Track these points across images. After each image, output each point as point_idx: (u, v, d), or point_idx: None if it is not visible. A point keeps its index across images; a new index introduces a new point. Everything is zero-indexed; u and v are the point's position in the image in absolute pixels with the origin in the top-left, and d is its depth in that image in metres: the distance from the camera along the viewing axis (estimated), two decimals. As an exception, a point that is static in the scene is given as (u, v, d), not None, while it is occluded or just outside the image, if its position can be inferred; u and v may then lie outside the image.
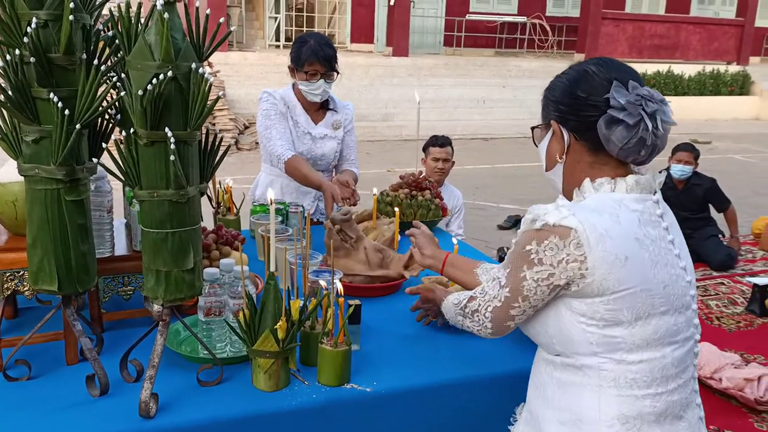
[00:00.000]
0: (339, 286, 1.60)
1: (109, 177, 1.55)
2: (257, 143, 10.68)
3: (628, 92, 1.32)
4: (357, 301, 1.71)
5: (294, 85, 3.01)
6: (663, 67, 15.90)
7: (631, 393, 1.32)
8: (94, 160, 1.45)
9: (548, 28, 17.10)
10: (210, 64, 11.81)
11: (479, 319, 1.44)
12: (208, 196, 2.59)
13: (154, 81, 1.26)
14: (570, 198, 1.43)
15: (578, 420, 1.35)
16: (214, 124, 10.33)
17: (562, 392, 1.38)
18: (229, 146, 1.47)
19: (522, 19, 17.17)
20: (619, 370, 1.32)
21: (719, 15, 18.99)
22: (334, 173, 3.15)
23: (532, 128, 1.52)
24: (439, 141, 4.34)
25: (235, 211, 2.59)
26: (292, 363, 1.55)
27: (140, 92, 1.26)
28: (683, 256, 1.39)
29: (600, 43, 16.52)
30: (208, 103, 1.33)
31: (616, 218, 1.30)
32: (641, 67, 15.79)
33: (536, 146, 1.53)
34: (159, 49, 1.27)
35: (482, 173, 9.39)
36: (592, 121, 1.34)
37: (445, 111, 13.00)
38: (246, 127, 10.82)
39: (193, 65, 1.31)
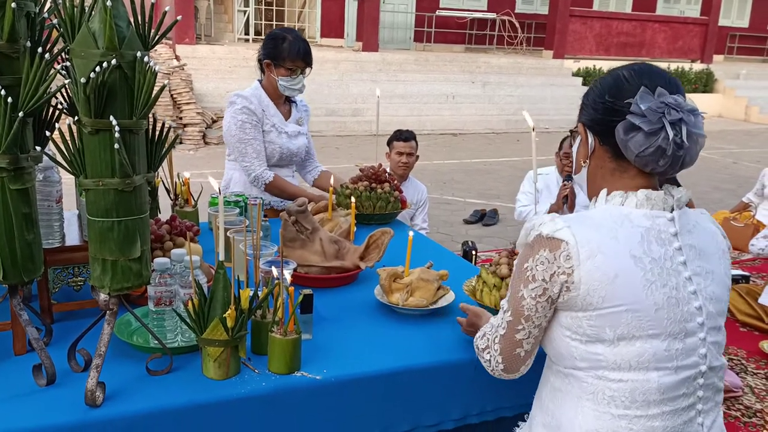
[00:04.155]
0: (287, 275, 1.61)
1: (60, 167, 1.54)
2: (225, 137, 10.59)
3: (653, 98, 1.27)
4: (308, 291, 1.72)
5: (261, 82, 3.05)
6: (629, 65, 16.12)
7: (607, 410, 1.30)
8: (38, 148, 1.43)
9: (517, 24, 17.25)
10: (178, 57, 11.68)
11: (490, 356, 1.41)
12: (166, 188, 2.58)
13: (98, 69, 1.26)
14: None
15: (557, 426, 1.37)
16: (181, 118, 10.23)
17: (551, 397, 1.40)
18: (177, 135, 1.47)
19: (491, 15, 17.28)
20: (599, 385, 1.30)
21: (684, 14, 19.32)
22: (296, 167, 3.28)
23: (571, 131, 1.52)
24: (403, 135, 4.37)
25: (192, 203, 2.58)
26: (242, 351, 1.55)
27: (83, 80, 1.25)
28: (697, 280, 1.32)
29: (568, 41, 16.72)
30: (154, 92, 1.33)
31: (614, 233, 1.28)
32: (608, 65, 16.02)
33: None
34: (103, 37, 1.27)
35: (450, 168, 9.45)
36: (613, 126, 1.31)
37: (414, 106, 13.04)
38: (214, 121, 10.74)
39: (138, 54, 1.31)
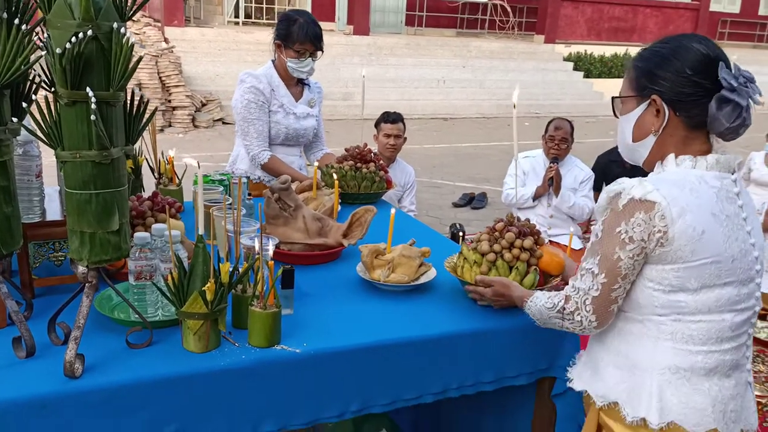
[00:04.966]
0: (269, 250, 1.62)
1: (40, 142, 1.53)
2: (215, 121, 10.56)
3: (734, 73, 1.40)
4: (289, 266, 1.73)
5: (274, 62, 3.11)
6: (621, 50, 16.14)
7: (685, 347, 1.44)
8: (15, 120, 1.43)
9: (509, 9, 17.17)
10: (166, 40, 11.59)
11: (581, 317, 1.49)
12: (151, 167, 2.58)
13: (74, 40, 1.25)
14: (650, 169, 1.53)
15: (633, 366, 1.48)
16: (170, 101, 10.17)
17: (620, 340, 1.51)
18: (156, 108, 1.47)
19: (483, -1, 17.22)
20: (678, 326, 1.43)
21: (676, -1, 19.32)
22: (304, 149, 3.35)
23: (614, 98, 1.57)
24: (391, 117, 4.37)
25: (177, 181, 2.57)
26: (221, 325, 1.56)
27: (59, 51, 1.25)
28: (754, 234, 1.47)
29: (559, 25, 16.70)
30: (131, 63, 1.32)
31: (696, 193, 1.39)
32: (599, 50, 16.02)
33: (616, 116, 1.58)
34: (79, 7, 1.26)
35: (440, 152, 9.46)
36: (695, 99, 1.42)
37: (405, 91, 13.01)
38: (203, 105, 10.67)
39: (115, 25, 1.30)
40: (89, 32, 1.26)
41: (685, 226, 1.36)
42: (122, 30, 1.30)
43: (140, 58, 1.38)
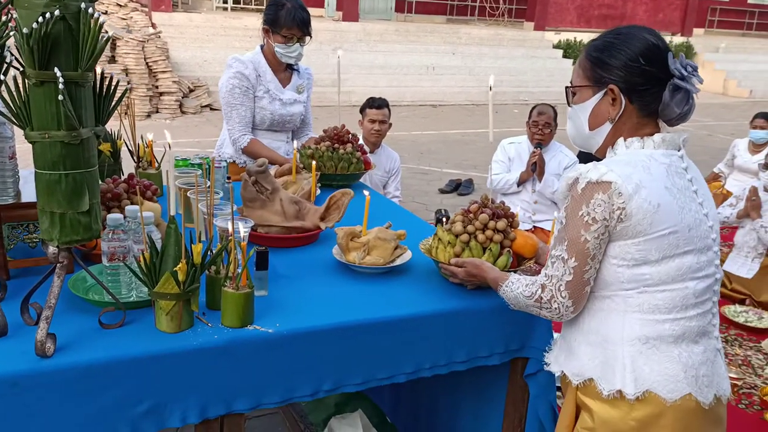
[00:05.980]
0: (242, 230, 1.63)
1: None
2: (203, 107, 10.51)
3: (681, 63, 1.49)
4: (263, 248, 1.74)
5: (262, 47, 3.11)
6: (610, 37, 16.12)
7: (653, 317, 1.49)
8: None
9: (499, -5, 17.14)
10: (154, 25, 11.51)
11: (558, 305, 1.53)
12: (130, 151, 2.58)
13: (41, 19, 1.25)
14: (603, 155, 1.59)
15: (604, 341, 1.53)
16: (157, 86, 10.11)
17: (590, 318, 1.56)
18: (127, 89, 1.47)
19: (473, -14, 17.15)
20: (644, 297, 1.49)
21: (666, -14, 19.29)
22: (292, 135, 3.33)
23: (568, 88, 1.62)
24: (376, 103, 4.38)
25: (156, 165, 2.58)
26: (194, 305, 1.57)
27: (26, 31, 1.25)
28: (706, 205, 1.54)
29: (549, 12, 16.67)
30: (99, 44, 1.32)
31: (648, 170, 1.46)
32: (589, 37, 16.00)
33: (570, 106, 1.63)
34: (46, -13, 1.26)
35: (428, 139, 9.46)
36: (647, 88, 1.50)
37: (394, 77, 12.98)
38: (191, 90, 10.61)
39: (83, 5, 1.30)
40: (56, 12, 1.26)
41: (641, 201, 1.42)
42: (90, 10, 1.30)
43: (108, 38, 1.38)
